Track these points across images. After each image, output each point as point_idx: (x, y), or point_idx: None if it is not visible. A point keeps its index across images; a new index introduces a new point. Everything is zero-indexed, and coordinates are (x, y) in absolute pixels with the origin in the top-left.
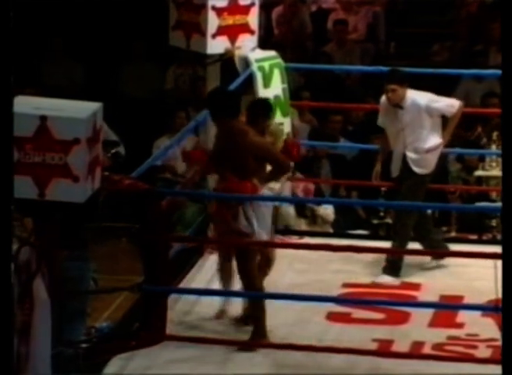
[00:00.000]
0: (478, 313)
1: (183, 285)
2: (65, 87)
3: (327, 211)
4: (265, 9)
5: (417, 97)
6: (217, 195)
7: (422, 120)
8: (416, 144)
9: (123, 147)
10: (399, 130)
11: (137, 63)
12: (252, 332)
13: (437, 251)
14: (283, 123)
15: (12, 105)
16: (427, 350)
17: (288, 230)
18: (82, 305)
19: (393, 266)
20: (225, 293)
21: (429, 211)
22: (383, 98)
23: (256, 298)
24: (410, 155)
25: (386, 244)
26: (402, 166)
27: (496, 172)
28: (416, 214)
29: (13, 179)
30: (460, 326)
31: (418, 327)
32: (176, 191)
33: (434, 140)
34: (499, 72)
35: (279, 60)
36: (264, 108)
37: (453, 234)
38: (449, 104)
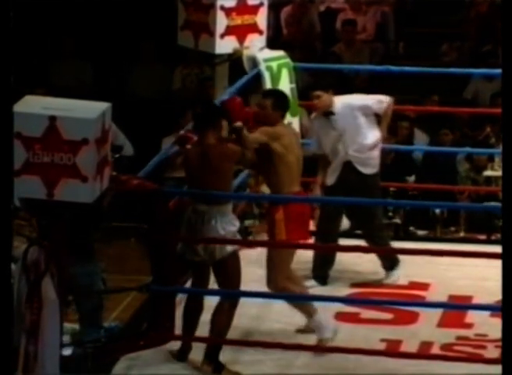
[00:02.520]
0: (486, 313)
1: (189, 285)
2: (74, 88)
3: None
4: (274, 9)
5: (346, 99)
6: (225, 195)
7: (357, 120)
8: (358, 145)
9: (132, 146)
10: (336, 138)
11: (146, 63)
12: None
13: (445, 251)
14: (292, 122)
15: (12, 105)
16: (435, 350)
17: None
18: (96, 304)
19: (390, 260)
20: (232, 294)
21: (438, 210)
22: (310, 118)
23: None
24: (355, 158)
25: (395, 244)
26: (346, 173)
27: None
28: (381, 216)
29: (13, 179)
30: (468, 326)
31: (427, 327)
32: (184, 191)
33: (373, 136)
34: None
35: (288, 60)
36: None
37: (461, 234)
38: (378, 100)
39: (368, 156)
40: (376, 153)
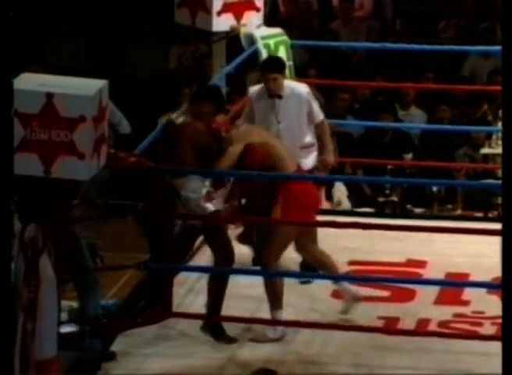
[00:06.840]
0: (483, 290)
1: (192, 263)
2: (70, 67)
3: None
4: None
5: (297, 86)
6: (223, 173)
7: (302, 111)
8: (293, 138)
9: (129, 124)
10: (273, 124)
11: (143, 42)
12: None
13: (443, 228)
14: None
15: (13, 92)
16: (433, 327)
17: None
18: (89, 279)
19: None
20: (230, 271)
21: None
22: (253, 90)
23: (266, 275)
24: None
25: (392, 222)
26: None
27: None
28: None
29: (13, 161)
30: (465, 303)
31: (424, 305)
32: (181, 169)
33: (310, 138)
34: None
35: (285, 37)
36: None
37: (458, 212)
38: (319, 110)
39: (297, 154)
40: (304, 154)
